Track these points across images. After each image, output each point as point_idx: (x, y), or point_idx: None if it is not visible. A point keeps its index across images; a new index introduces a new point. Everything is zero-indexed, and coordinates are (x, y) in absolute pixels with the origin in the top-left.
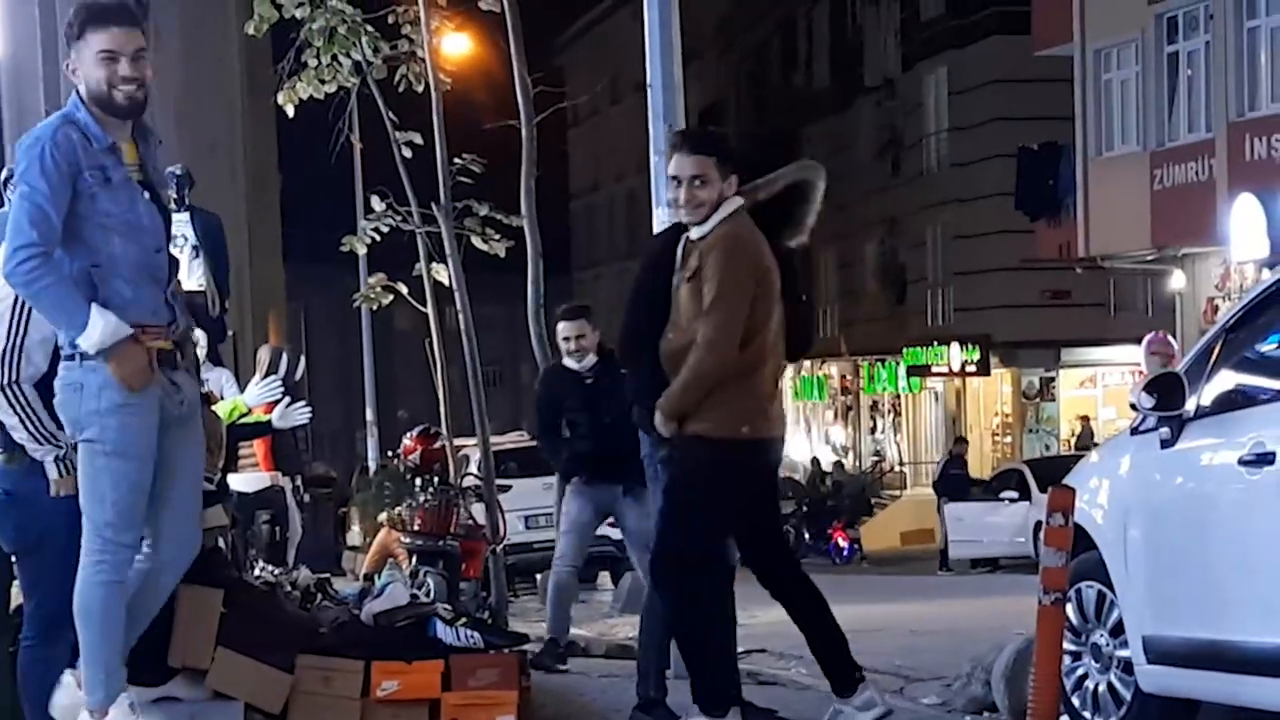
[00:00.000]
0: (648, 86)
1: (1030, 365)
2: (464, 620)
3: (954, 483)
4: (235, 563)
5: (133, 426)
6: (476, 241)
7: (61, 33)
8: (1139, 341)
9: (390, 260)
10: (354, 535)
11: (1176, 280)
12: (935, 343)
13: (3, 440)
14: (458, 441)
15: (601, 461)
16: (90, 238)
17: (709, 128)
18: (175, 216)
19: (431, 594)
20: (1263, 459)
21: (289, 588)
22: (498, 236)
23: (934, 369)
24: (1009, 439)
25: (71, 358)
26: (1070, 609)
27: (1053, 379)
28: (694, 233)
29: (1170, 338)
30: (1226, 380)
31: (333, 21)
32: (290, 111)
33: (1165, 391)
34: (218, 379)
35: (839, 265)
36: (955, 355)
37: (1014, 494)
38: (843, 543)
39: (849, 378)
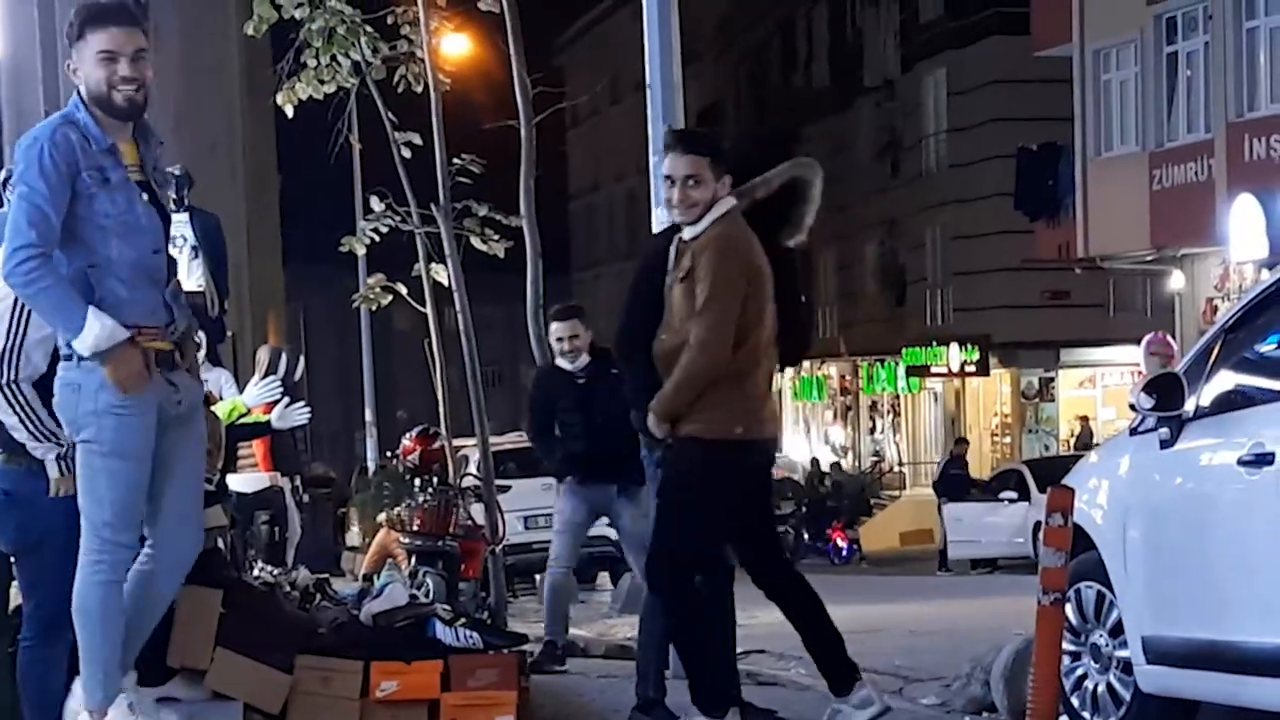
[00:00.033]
0: (647, 87)
1: (1029, 366)
2: (463, 621)
3: (954, 483)
4: (234, 563)
5: (129, 427)
6: (476, 242)
7: (61, 34)
8: (1138, 342)
9: (389, 261)
10: (353, 536)
11: (1176, 280)
12: (934, 343)
13: (2, 440)
14: (457, 442)
15: (595, 462)
16: (88, 238)
17: (702, 128)
18: (174, 217)
19: (430, 594)
20: (1262, 459)
21: (288, 588)
22: (497, 237)
23: (933, 369)
24: (1008, 439)
25: (69, 358)
26: (1069, 609)
27: (1052, 379)
28: (686, 233)
29: (1169, 338)
30: (1226, 380)
31: (332, 22)
32: (289, 112)
33: (1164, 392)
34: (217, 379)
35: (838, 266)
36: (954, 356)
37: (1013, 494)
38: (842, 543)
39: (848, 378)
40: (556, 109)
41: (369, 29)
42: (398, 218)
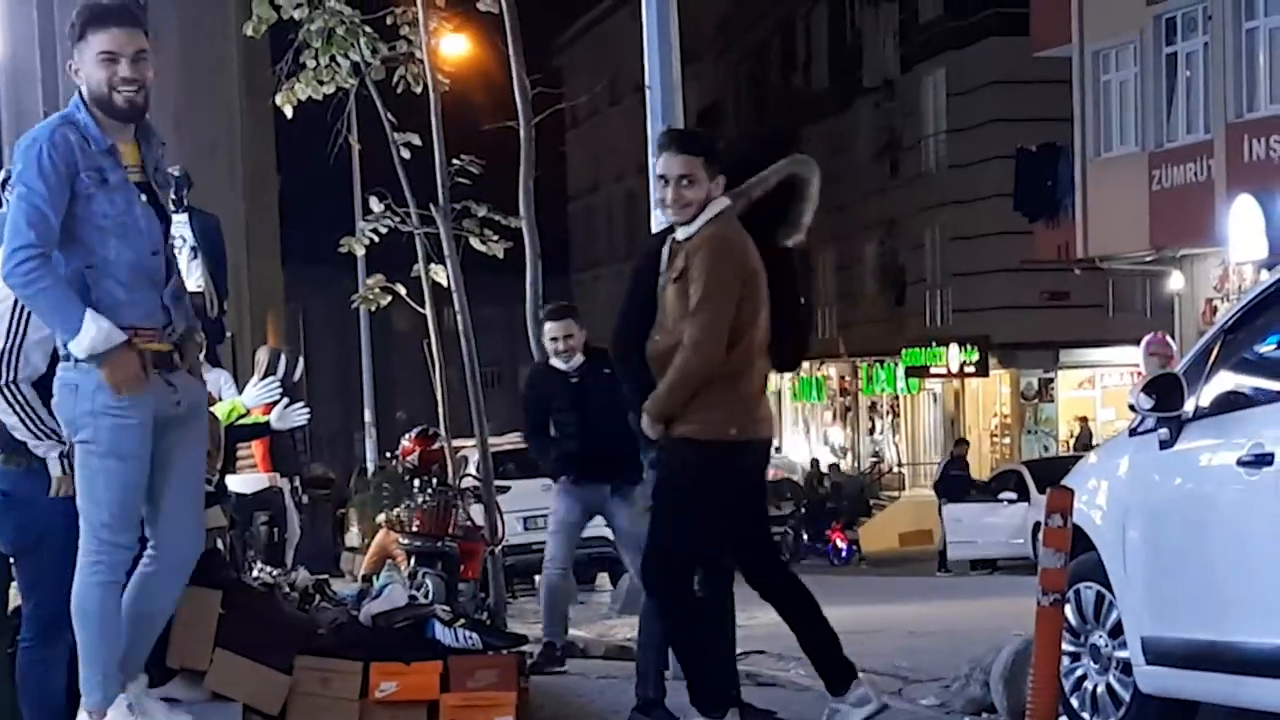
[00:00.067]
0: (646, 87)
1: (1029, 366)
2: (462, 621)
3: (955, 484)
4: (233, 564)
5: (125, 428)
6: (475, 243)
7: (60, 34)
8: (1137, 342)
9: (389, 261)
10: (352, 536)
11: (1175, 281)
12: (934, 344)
13: (1, 440)
14: (456, 442)
15: (589, 461)
16: (86, 239)
17: (696, 129)
18: (174, 218)
19: (430, 595)
20: (1261, 460)
21: (287, 589)
22: (496, 238)
23: (933, 370)
24: (1007, 440)
25: (68, 358)
26: (1069, 610)
27: (1051, 380)
28: (680, 233)
29: (1169, 339)
30: (1225, 381)
31: (331, 23)
32: (289, 113)
33: (1164, 392)
34: (216, 380)
35: (838, 267)
36: (954, 356)
37: (1012, 495)
38: (841, 544)
39: (848, 379)
40: (556, 110)
41: (368, 29)
42: (397, 218)
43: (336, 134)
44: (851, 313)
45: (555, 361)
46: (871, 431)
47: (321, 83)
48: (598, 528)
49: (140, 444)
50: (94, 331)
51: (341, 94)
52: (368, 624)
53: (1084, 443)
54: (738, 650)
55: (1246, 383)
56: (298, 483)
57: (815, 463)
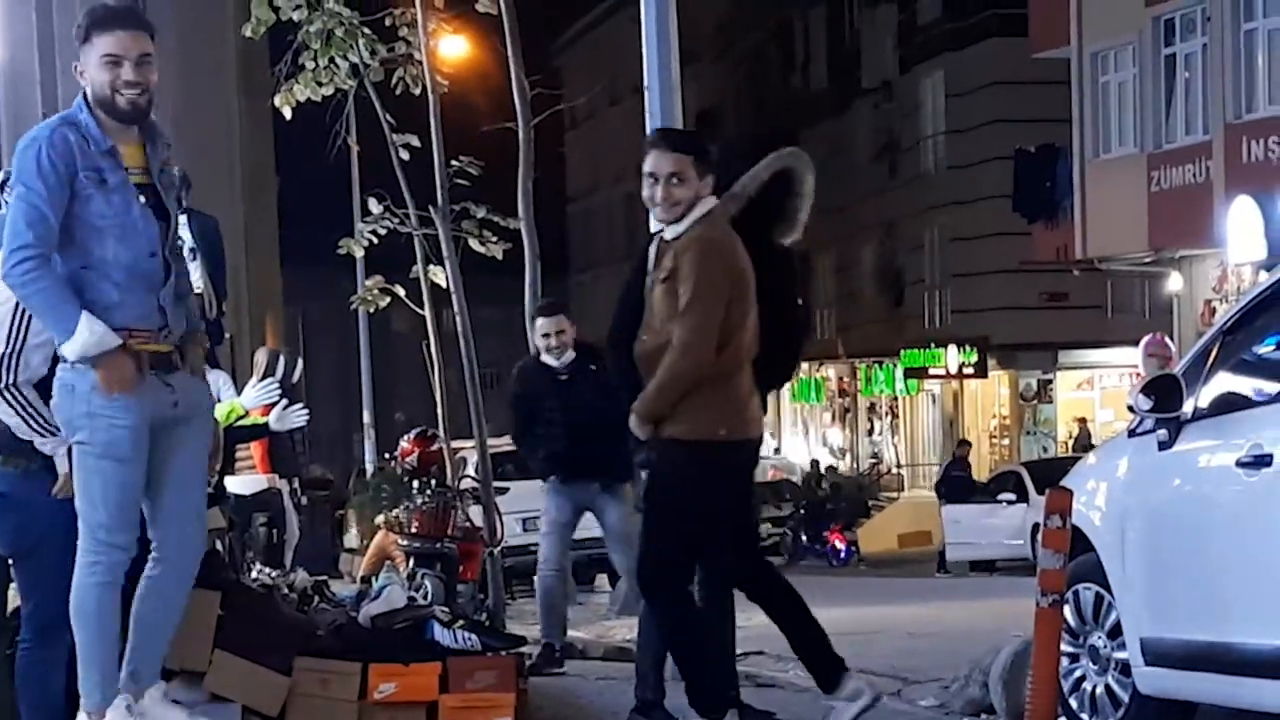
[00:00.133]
0: (645, 89)
1: (1028, 367)
2: (461, 623)
3: (956, 484)
4: (233, 565)
5: (119, 429)
6: (474, 244)
7: (58, 36)
8: (1136, 343)
9: (388, 263)
10: (351, 538)
11: (1174, 282)
12: (933, 345)
13: (1, 441)
14: (455, 444)
15: (577, 459)
16: (83, 239)
17: (687, 128)
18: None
19: (429, 596)
20: (1260, 461)
21: (286, 590)
22: (495, 239)
23: (931, 371)
24: (1006, 441)
25: (65, 359)
26: (1068, 611)
27: (1050, 381)
28: (668, 233)
29: (1168, 340)
30: (1224, 382)
31: (330, 24)
32: (287, 114)
33: (1163, 393)
34: (215, 382)
35: (836, 268)
36: (953, 357)
37: (1012, 496)
38: (840, 545)
39: (846, 380)
40: (555, 111)
41: (367, 31)
42: (396, 220)
43: (335, 135)
44: (850, 314)
45: (546, 358)
46: (870, 432)
47: (320, 84)
48: (597, 529)
49: (135, 446)
50: (86, 335)
51: (340, 95)
52: (367, 625)
53: (1083, 444)
54: (737, 651)
55: (1245, 384)
56: (296, 484)
57: (814, 464)
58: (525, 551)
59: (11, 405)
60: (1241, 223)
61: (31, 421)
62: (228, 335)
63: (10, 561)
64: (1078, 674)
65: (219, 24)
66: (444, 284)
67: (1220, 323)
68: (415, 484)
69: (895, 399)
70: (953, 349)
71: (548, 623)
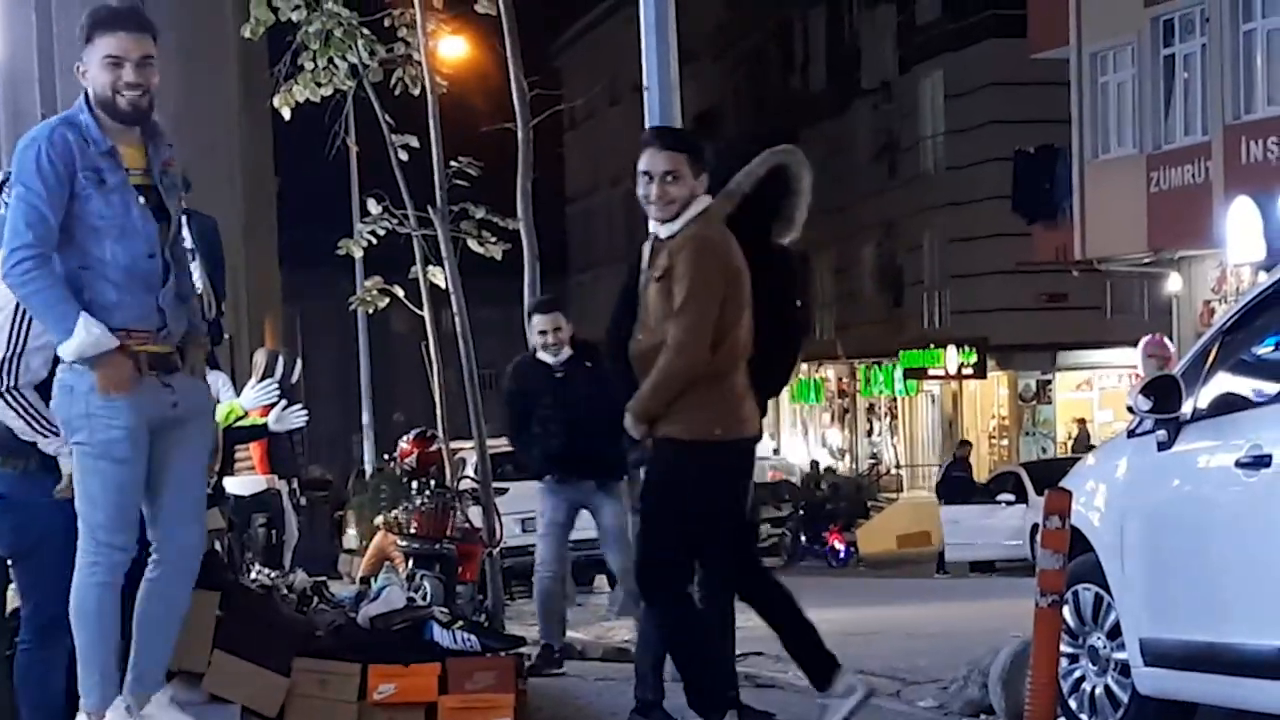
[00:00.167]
0: (645, 89)
1: (1027, 368)
2: (460, 623)
3: (957, 485)
4: (232, 566)
5: (117, 430)
6: (473, 244)
7: (58, 37)
8: (1135, 344)
9: (387, 263)
10: (350, 538)
11: (1173, 283)
12: (932, 345)
13: (1, 442)
14: (454, 444)
15: (573, 458)
16: (82, 239)
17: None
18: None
19: (428, 597)
20: (1260, 461)
21: (285, 591)
22: (494, 239)
23: (931, 372)
24: (1006, 442)
25: (63, 360)
26: (1067, 611)
27: (1049, 382)
28: (662, 231)
29: (1167, 340)
30: (1223, 383)
31: (329, 25)
32: (286, 115)
33: (1162, 394)
34: (214, 382)
35: (836, 268)
36: (952, 358)
37: (1011, 497)
38: (839, 545)
39: (846, 380)
40: (554, 111)
41: (366, 31)
42: (395, 220)
43: (334, 136)
44: (849, 314)
45: (543, 355)
46: (869, 433)
47: (319, 85)
48: (595, 530)
49: (132, 447)
50: (83, 336)
51: (339, 96)
52: (366, 626)
53: (1082, 444)
54: (736, 652)
55: (1244, 384)
56: (295, 485)
57: (813, 464)
58: (524, 552)
59: (13, 407)
60: (1240, 223)
61: (34, 423)
62: (227, 336)
63: (10, 562)
64: (1077, 674)
65: (218, 25)
66: (443, 285)
67: (1219, 323)
68: (414, 485)
69: (894, 400)
70: (952, 349)
71: (546, 624)
